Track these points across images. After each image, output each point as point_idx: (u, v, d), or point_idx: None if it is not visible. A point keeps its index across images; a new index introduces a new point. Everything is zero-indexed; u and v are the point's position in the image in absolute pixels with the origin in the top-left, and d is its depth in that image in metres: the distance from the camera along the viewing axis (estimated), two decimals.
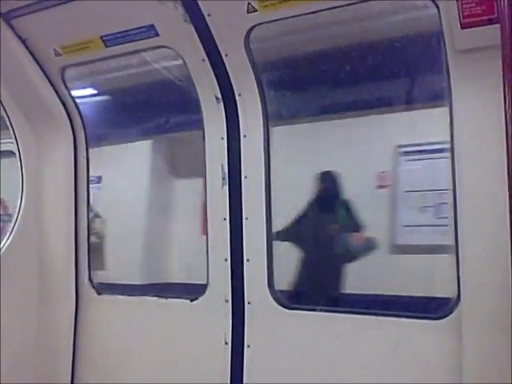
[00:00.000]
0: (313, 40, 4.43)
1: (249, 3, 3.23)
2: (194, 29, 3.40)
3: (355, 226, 5.46)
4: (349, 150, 5.63)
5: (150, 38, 3.58)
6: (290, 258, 5.37)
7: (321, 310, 3.39)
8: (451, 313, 2.88)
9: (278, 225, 3.79)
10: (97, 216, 5.87)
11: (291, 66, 4.93)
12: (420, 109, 5.03)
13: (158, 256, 7.10)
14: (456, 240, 2.86)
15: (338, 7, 3.21)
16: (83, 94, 5.06)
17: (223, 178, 3.63)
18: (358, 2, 3.13)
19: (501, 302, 2.55)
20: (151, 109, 6.43)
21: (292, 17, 3.27)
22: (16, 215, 4.07)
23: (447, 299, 2.96)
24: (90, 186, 4.28)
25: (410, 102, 5.25)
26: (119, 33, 3.65)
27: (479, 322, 2.73)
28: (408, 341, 3.04)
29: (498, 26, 2.31)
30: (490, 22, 2.52)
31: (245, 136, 3.60)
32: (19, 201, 4.11)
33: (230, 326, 3.58)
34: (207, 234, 3.73)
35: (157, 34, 3.55)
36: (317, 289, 5.30)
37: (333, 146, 5.89)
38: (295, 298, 4.62)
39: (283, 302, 3.50)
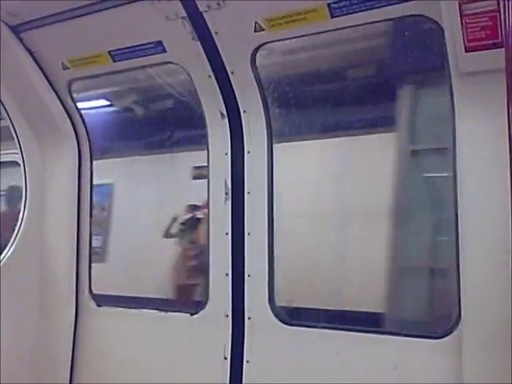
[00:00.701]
0: None
1: (256, 22, 3.28)
2: (201, 46, 3.45)
3: None
4: None
5: (157, 53, 3.63)
6: None
7: (322, 327, 3.40)
8: (452, 332, 2.90)
9: None
10: None
11: None
12: None
13: None
14: (457, 259, 2.87)
15: (343, 28, 3.27)
16: None
17: (226, 193, 3.66)
18: (363, 24, 3.19)
19: (502, 322, 2.57)
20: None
21: (298, 37, 3.34)
22: (19, 225, 4.09)
23: None
24: None
25: None
26: (127, 48, 3.71)
27: (480, 341, 2.74)
28: (409, 359, 3.05)
29: (502, 50, 2.36)
30: (494, 46, 2.56)
31: (248, 152, 3.64)
32: (22, 211, 4.14)
33: (229, 340, 3.59)
34: (209, 249, 3.76)
35: (164, 51, 3.60)
36: None
37: None
38: None
39: (284, 318, 3.51)
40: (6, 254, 3.99)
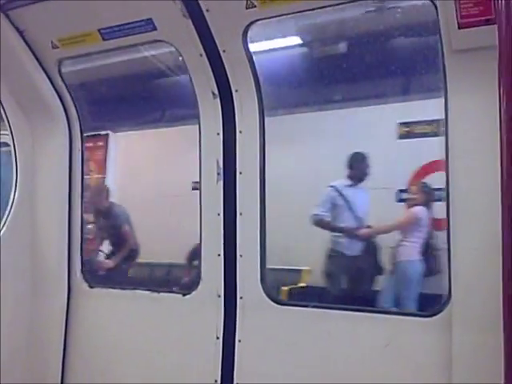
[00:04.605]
0: None
1: None
2: (192, 24, 3.40)
3: None
4: None
5: (147, 32, 3.58)
6: None
7: (313, 307, 3.41)
8: (442, 311, 2.91)
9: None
10: None
11: None
12: None
13: None
14: (448, 238, 2.88)
15: (335, 5, 3.23)
16: None
17: (218, 174, 3.64)
18: (355, 0, 3.15)
19: (491, 301, 2.56)
20: None
21: (290, 13, 3.29)
22: (9, 206, 4.06)
23: None
24: None
25: None
26: (117, 26, 3.65)
27: (469, 320, 2.75)
28: (399, 338, 3.06)
29: (495, 26, 2.33)
30: (487, 22, 2.54)
31: (240, 132, 3.61)
32: (13, 192, 4.11)
33: (221, 320, 3.59)
34: (200, 229, 3.74)
35: (154, 28, 3.55)
36: None
37: None
38: None
39: (275, 297, 3.53)
40: None
